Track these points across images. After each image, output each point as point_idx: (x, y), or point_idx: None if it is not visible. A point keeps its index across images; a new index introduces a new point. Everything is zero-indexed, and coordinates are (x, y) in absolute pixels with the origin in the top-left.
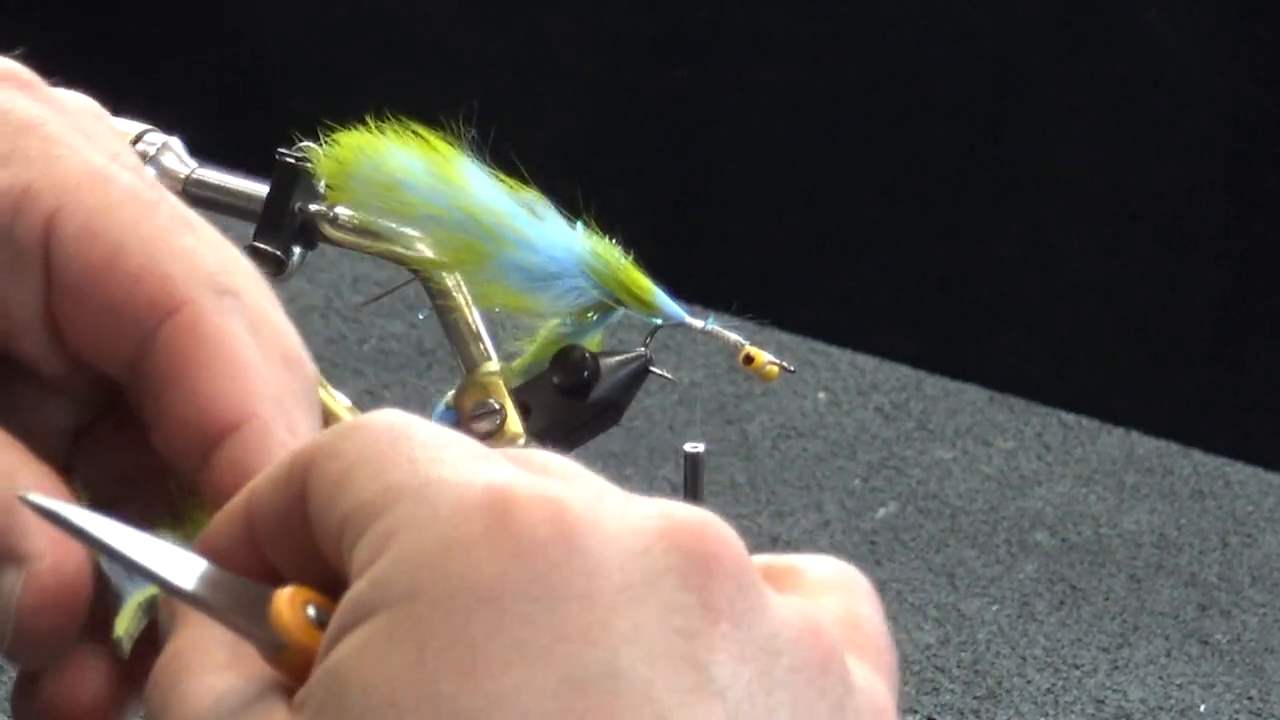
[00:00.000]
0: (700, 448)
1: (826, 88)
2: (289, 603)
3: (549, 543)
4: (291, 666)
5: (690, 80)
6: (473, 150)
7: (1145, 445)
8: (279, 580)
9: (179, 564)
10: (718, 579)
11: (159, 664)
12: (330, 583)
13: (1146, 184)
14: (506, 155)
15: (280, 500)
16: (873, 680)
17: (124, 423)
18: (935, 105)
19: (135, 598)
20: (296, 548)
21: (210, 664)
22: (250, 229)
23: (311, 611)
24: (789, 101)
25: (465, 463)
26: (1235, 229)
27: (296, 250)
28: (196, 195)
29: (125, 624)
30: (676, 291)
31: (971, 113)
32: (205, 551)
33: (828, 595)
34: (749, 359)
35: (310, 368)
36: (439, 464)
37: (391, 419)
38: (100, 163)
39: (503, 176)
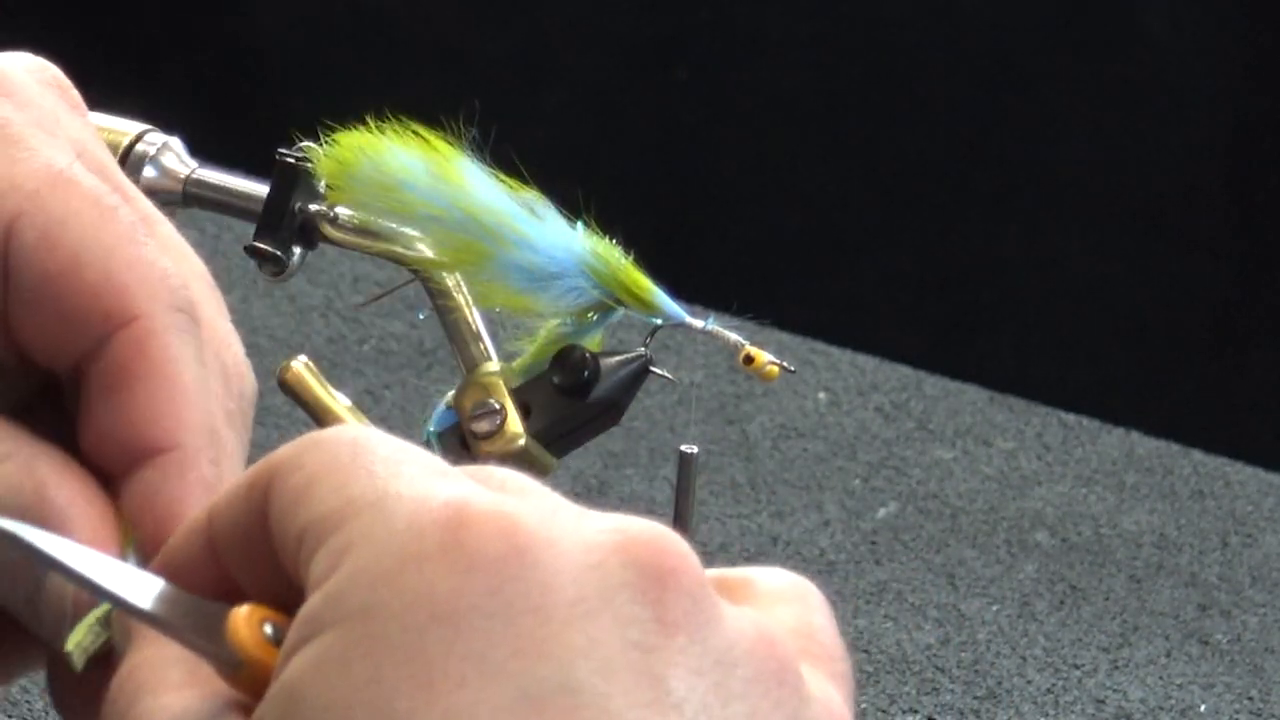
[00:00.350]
0: (694, 449)
1: (826, 88)
2: (245, 620)
3: (503, 558)
4: (249, 684)
5: (690, 80)
6: (473, 150)
7: (1145, 445)
8: (239, 598)
9: (135, 583)
10: (673, 592)
11: (115, 682)
12: (291, 598)
13: (1146, 184)
14: (506, 155)
15: (241, 513)
16: (828, 690)
17: (60, 407)
18: (935, 105)
19: (94, 613)
20: (257, 562)
21: (167, 683)
22: (250, 229)
23: (269, 629)
24: (789, 101)
25: (423, 478)
26: (1235, 229)
27: (296, 250)
28: (196, 195)
29: (78, 638)
30: (676, 291)
31: (971, 113)
32: (163, 566)
33: (781, 606)
34: (749, 359)
35: (250, 384)
36: (397, 479)
37: (354, 433)
38: (62, 164)
39: (503, 176)
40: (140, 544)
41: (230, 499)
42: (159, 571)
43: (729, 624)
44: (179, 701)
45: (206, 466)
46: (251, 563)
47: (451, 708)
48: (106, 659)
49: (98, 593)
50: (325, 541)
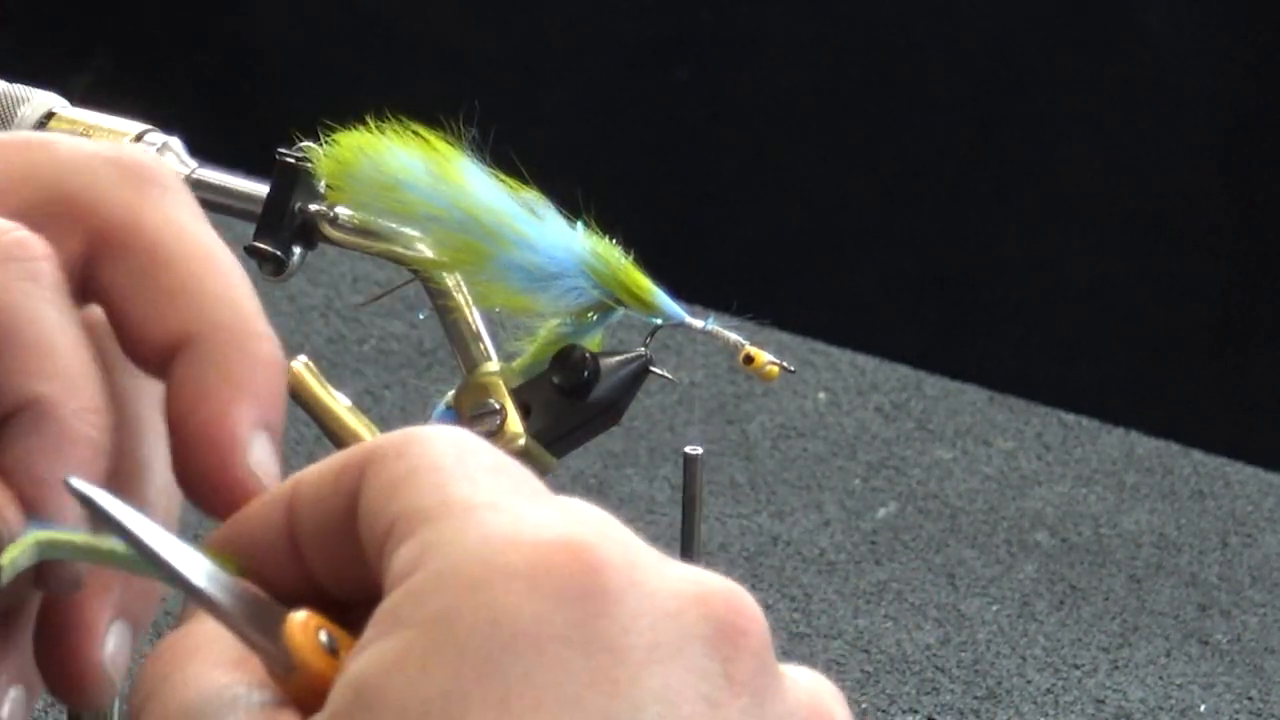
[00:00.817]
0: (699, 450)
1: (826, 88)
2: (302, 627)
3: (589, 593)
4: (297, 689)
5: (690, 80)
6: (473, 150)
7: (1145, 445)
8: (303, 582)
9: (199, 567)
10: (743, 651)
11: (170, 637)
12: (360, 588)
13: (1146, 184)
14: (506, 155)
15: (330, 491)
16: None
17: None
18: (935, 105)
19: (33, 535)
20: (334, 544)
21: (221, 658)
22: (250, 229)
23: (324, 637)
24: (789, 101)
25: (522, 497)
26: (1235, 229)
27: (296, 250)
28: (196, 195)
29: (14, 553)
30: (676, 291)
31: (971, 113)
32: (235, 532)
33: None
34: (749, 359)
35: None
36: (496, 490)
37: (462, 436)
38: None
39: (503, 176)
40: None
41: (321, 474)
42: (230, 532)
43: (789, 691)
44: (227, 677)
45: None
46: (329, 544)
47: None
48: (27, 584)
49: (167, 571)
50: (415, 534)
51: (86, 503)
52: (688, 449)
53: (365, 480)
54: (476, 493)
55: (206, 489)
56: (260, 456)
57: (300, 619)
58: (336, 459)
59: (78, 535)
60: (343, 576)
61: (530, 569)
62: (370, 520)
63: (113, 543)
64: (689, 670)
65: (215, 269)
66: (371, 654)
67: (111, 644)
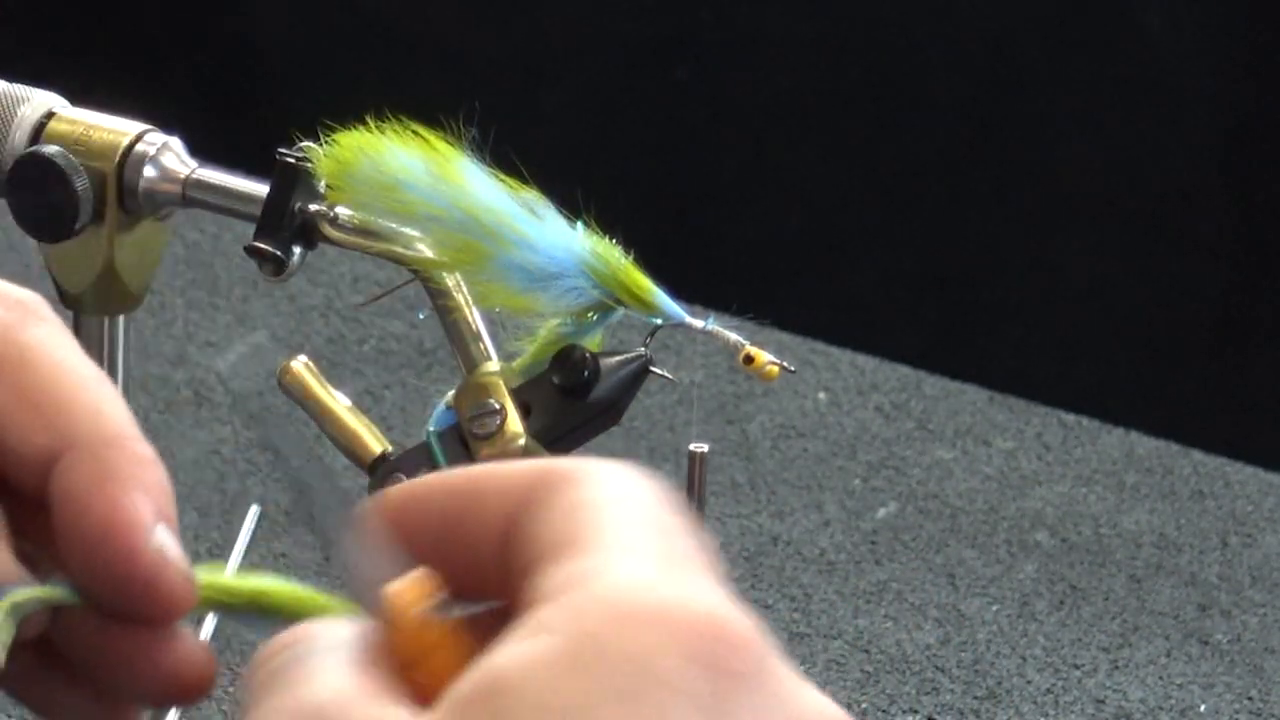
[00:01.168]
0: (704, 448)
1: (826, 88)
2: (415, 582)
3: (730, 669)
4: (404, 651)
5: (690, 80)
6: (473, 150)
7: (1145, 445)
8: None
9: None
10: None
11: (291, 634)
12: (477, 589)
13: (1146, 184)
14: (506, 155)
15: (502, 494)
16: None
17: None
18: (935, 105)
19: (8, 597)
20: (473, 546)
21: (348, 658)
22: (250, 229)
23: (433, 604)
24: (789, 101)
25: (681, 558)
26: (1235, 229)
27: (296, 250)
28: (196, 195)
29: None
30: (676, 291)
31: (971, 113)
32: (397, 502)
33: None
34: (749, 359)
35: None
36: (663, 544)
37: (636, 480)
38: None
39: (503, 176)
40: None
41: (506, 475)
42: (405, 496)
43: None
44: (358, 680)
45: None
46: (471, 543)
47: None
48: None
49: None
50: (576, 559)
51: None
52: (692, 446)
53: (537, 496)
54: (643, 539)
55: (117, 578)
56: (164, 540)
57: (415, 575)
58: (517, 469)
59: (37, 590)
60: (461, 577)
61: (679, 625)
62: (530, 534)
63: (62, 589)
64: None
65: (87, 385)
66: (515, 651)
67: (159, 538)
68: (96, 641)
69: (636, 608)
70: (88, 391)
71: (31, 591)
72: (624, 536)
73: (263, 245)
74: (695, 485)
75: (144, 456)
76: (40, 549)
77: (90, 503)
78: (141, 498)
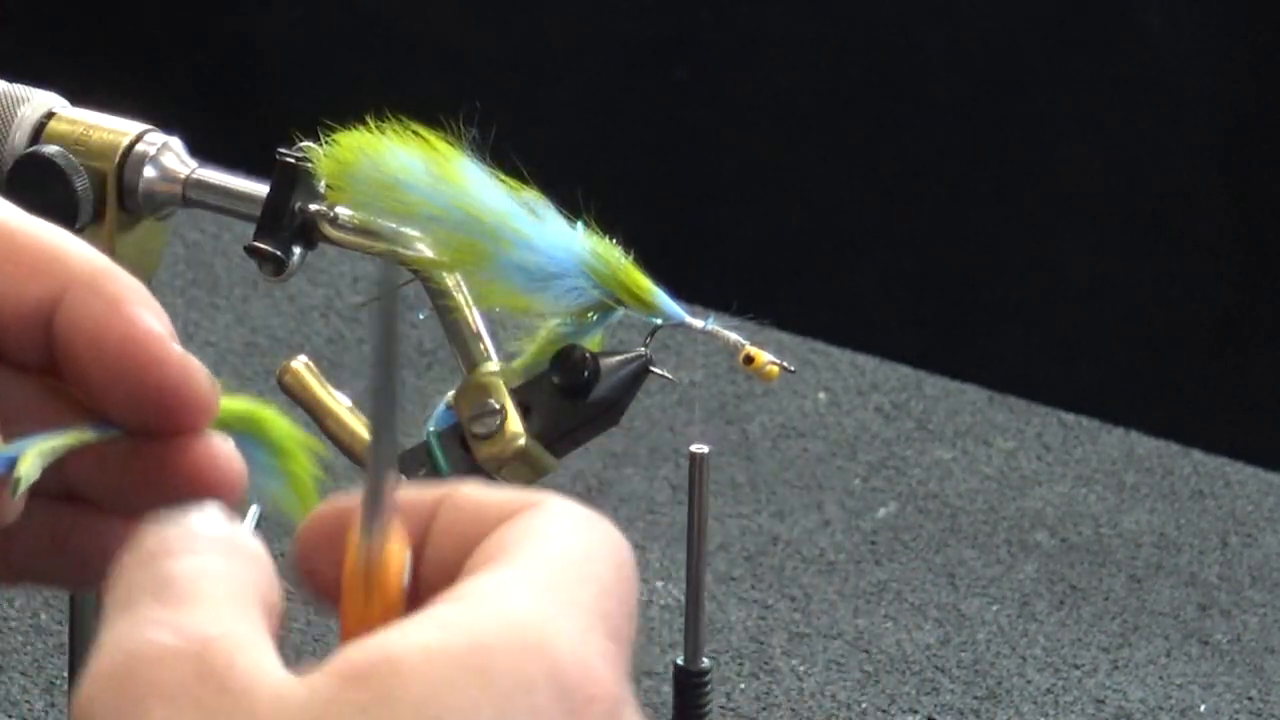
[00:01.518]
0: (705, 449)
1: (826, 88)
2: (396, 554)
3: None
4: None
5: (690, 80)
6: (473, 150)
7: (1145, 445)
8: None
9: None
10: None
11: (178, 534)
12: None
13: (1146, 184)
14: (506, 155)
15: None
16: None
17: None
18: (935, 105)
19: (38, 444)
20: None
21: (236, 586)
22: (250, 229)
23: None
24: (789, 101)
25: (604, 625)
26: (1235, 229)
27: (296, 250)
28: (196, 195)
29: (26, 464)
30: (676, 291)
31: (971, 113)
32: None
33: None
34: (749, 359)
35: None
36: (592, 602)
37: (612, 541)
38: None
39: (503, 176)
40: None
41: (480, 496)
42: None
43: None
44: (238, 610)
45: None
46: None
47: None
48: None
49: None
50: (500, 572)
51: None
52: (693, 448)
53: (507, 515)
54: (565, 580)
55: (148, 389)
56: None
57: (399, 547)
58: (502, 496)
59: (67, 435)
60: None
61: (559, 666)
62: (482, 546)
63: (90, 431)
64: None
65: (61, 234)
66: (414, 636)
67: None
68: (128, 469)
69: (531, 637)
70: (66, 238)
71: (62, 436)
72: (550, 572)
73: (263, 245)
74: (696, 487)
75: (138, 284)
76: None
77: (110, 324)
78: (154, 314)
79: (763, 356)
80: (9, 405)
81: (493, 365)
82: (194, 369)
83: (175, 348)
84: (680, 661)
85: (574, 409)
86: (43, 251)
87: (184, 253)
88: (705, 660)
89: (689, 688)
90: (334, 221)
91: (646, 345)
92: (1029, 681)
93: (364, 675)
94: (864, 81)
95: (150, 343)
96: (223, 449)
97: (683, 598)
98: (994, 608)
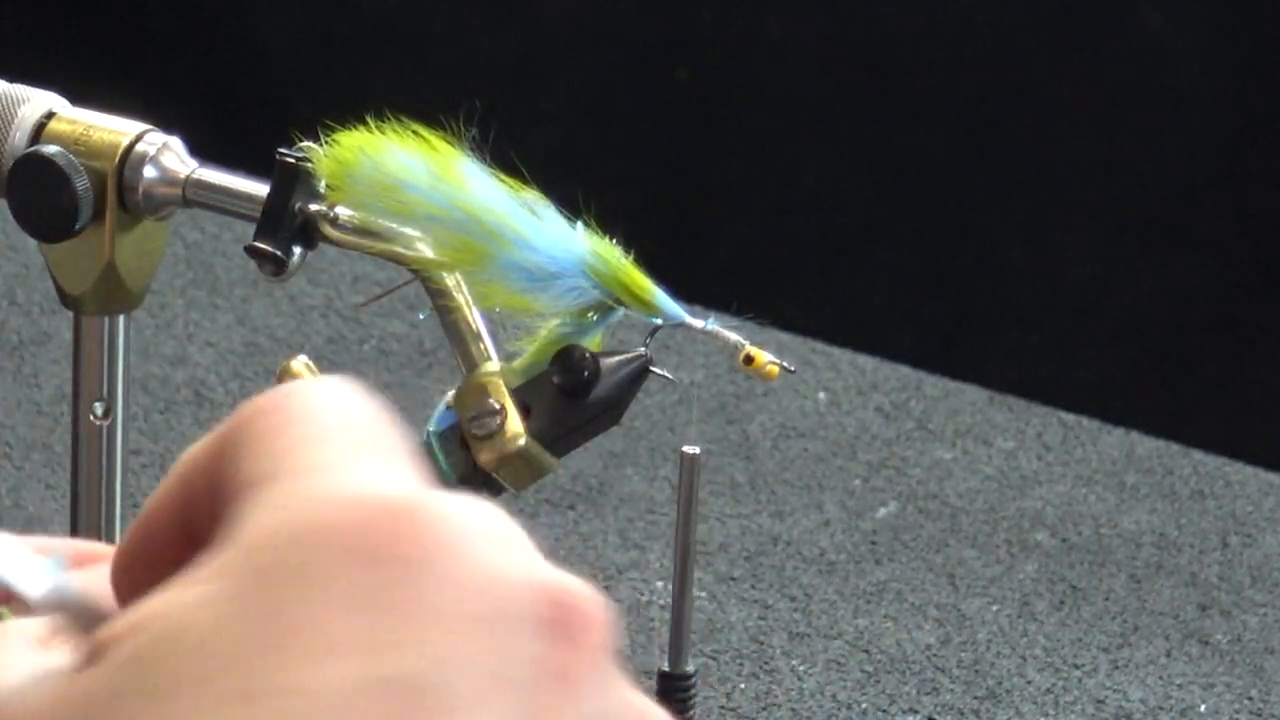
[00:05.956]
0: (696, 450)
1: (826, 88)
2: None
3: (400, 556)
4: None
5: (691, 80)
6: (473, 150)
7: (1145, 445)
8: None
9: (36, 574)
10: (574, 646)
11: None
12: None
13: (1146, 184)
14: (506, 155)
15: (212, 458)
16: None
17: None
18: (935, 105)
19: None
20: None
21: (31, 639)
22: (250, 229)
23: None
24: (789, 101)
25: (371, 460)
26: (1235, 229)
27: (296, 250)
28: (196, 195)
29: None
30: (676, 291)
31: (971, 113)
32: (141, 520)
33: None
34: (749, 359)
35: None
36: (347, 452)
37: (334, 392)
38: None
39: (503, 176)
40: None
41: (205, 442)
42: (137, 523)
43: (617, 699)
44: (39, 656)
45: None
46: (214, 514)
47: (306, 676)
48: None
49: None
50: (250, 497)
51: None
52: (685, 448)
53: (233, 440)
54: (321, 454)
55: None
56: None
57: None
58: (221, 425)
59: None
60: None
61: (342, 529)
62: (227, 481)
63: None
64: (502, 648)
65: None
66: (177, 593)
67: None
68: None
69: (294, 530)
70: None
71: None
72: (297, 459)
73: (263, 245)
74: (685, 488)
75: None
76: None
77: None
78: None
79: (763, 356)
80: None
81: (493, 365)
82: None
83: None
84: (665, 667)
85: (574, 409)
86: None
87: (184, 253)
88: (690, 666)
89: (673, 692)
90: (334, 221)
91: (646, 345)
92: (1029, 681)
93: (120, 638)
94: (864, 81)
95: None
96: None
97: None
98: (994, 608)
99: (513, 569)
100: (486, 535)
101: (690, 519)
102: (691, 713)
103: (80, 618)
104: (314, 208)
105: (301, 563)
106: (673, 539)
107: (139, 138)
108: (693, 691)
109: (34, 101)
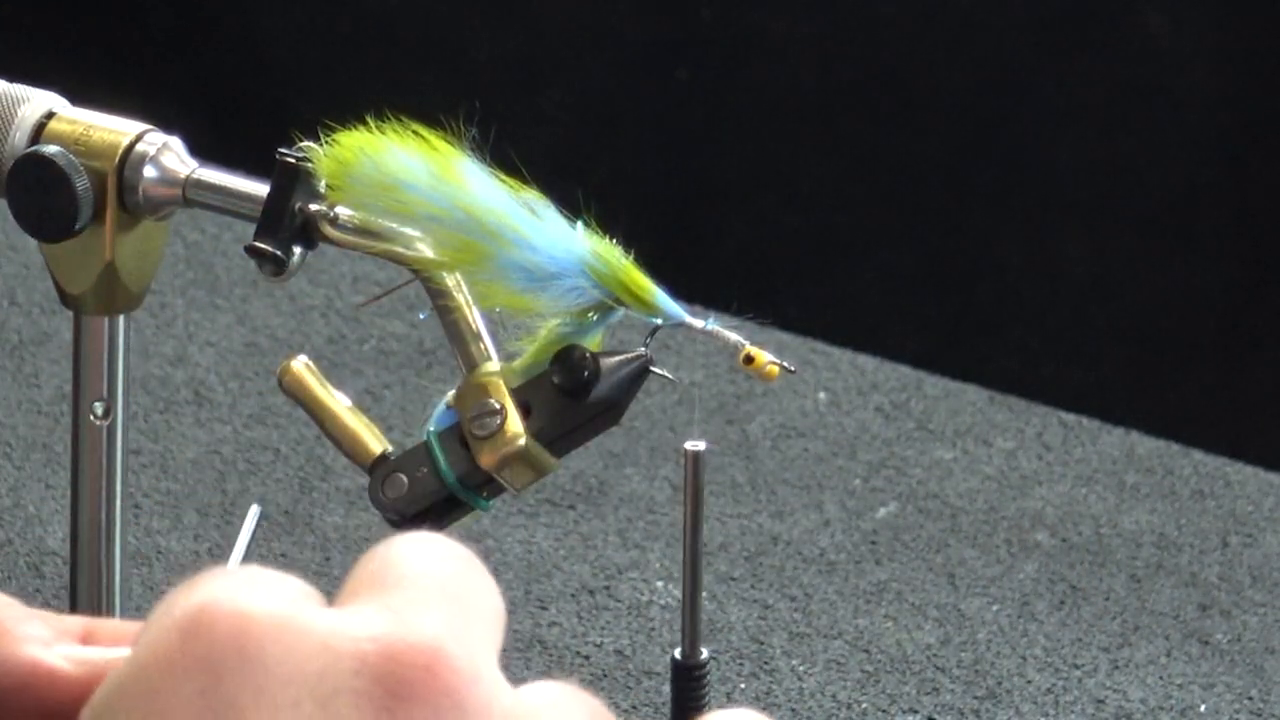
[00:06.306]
0: (701, 446)
1: (826, 88)
2: None
3: (227, 659)
4: None
5: (691, 81)
6: (473, 150)
7: (1145, 445)
8: None
9: None
10: (410, 703)
11: None
12: None
13: (1146, 184)
14: (506, 155)
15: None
16: None
17: None
18: (935, 105)
19: None
20: None
21: None
22: (250, 229)
23: None
24: (789, 101)
25: (197, 581)
26: (1235, 229)
27: (296, 250)
28: (196, 195)
29: None
30: (676, 291)
31: (971, 113)
32: None
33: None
34: (749, 359)
35: None
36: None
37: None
38: None
39: (503, 176)
40: None
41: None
42: None
43: None
44: None
45: None
46: None
47: None
48: None
49: None
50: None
51: None
52: (689, 444)
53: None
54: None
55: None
56: None
57: None
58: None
59: None
60: None
61: (178, 652)
62: None
63: None
64: None
65: None
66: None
67: None
68: None
69: (139, 671)
70: None
71: None
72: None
73: (263, 245)
74: (692, 484)
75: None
76: None
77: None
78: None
79: (763, 356)
80: None
81: (493, 365)
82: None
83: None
84: (678, 655)
85: (574, 409)
86: None
87: (184, 253)
88: (704, 652)
89: (687, 681)
90: (334, 221)
91: (647, 345)
92: (1029, 681)
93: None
94: (864, 81)
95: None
96: None
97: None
98: (994, 608)
99: (331, 638)
100: (304, 613)
101: (697, 512)
102: (706, 701)
103: None
104: (314, 208)
105: (141, 703)
106: (673, 539)
107: (139, 138)
108: (707, 679)
109: (34, 101)
